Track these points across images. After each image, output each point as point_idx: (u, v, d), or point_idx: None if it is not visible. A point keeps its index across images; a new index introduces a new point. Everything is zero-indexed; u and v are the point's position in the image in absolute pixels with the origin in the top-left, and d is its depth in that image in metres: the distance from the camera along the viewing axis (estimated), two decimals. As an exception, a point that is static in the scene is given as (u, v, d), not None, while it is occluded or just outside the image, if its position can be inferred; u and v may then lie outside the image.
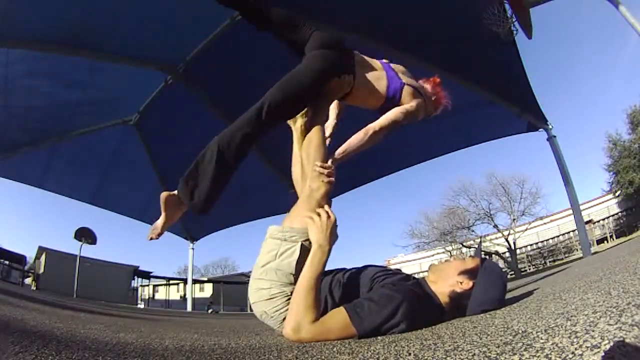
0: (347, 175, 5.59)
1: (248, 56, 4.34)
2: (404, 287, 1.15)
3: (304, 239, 1.23)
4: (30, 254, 16.99)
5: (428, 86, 1.80)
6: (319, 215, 1.22)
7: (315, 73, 1.45)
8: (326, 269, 1.43)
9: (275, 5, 1.57)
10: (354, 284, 1.24)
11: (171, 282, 24.05)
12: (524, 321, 0.81)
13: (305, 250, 1.22)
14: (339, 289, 1.24)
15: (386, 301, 1.06)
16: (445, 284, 1.19)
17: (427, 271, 1.31)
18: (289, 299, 1.18)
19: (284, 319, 1.16)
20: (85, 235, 11.86)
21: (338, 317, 1.05)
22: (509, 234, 18.23)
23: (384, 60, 1.76)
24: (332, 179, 1.34)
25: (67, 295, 8.68)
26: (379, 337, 0.98)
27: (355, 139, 1.57)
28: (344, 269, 1.36)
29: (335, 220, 1.23)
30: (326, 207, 1.28)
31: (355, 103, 1.70)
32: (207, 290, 24.42)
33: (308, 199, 1.32)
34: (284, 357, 0.81)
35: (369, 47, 3.64)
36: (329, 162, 1.42)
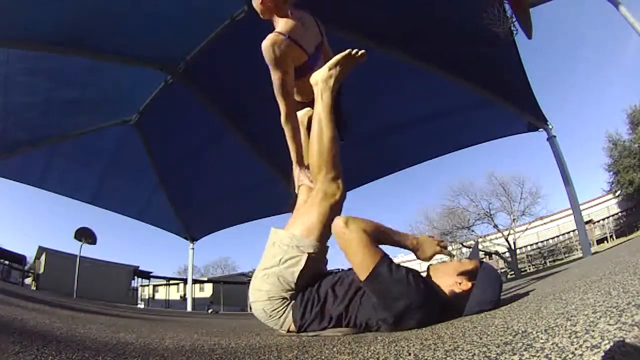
0: (346, 175, 5.57)
1: (248, 56, 4.32)
2: (419, 274, 1.19)
3: (311, 250, 1.25)
4: (30, 254, 17.03)
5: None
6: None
7: None
8: (328, 268, 1.43)
9: None
10: (358, 281, 1.23)
11: (171, 282, 24.05)
12: (524, 321, 0.81)
13: (310, 262, 1.24)
14: (343, 286, 1.23)
15: (406, 277, 1.13)
16: (444, 284, 1.20)
17: (426, 271, 1.31)
18: (286, 301, 1.25)
19: (281, 318, 1.24)
20: (85, 235, 11.87)
21: (372, 249, 1.15)
22: (509, 234, 18.22)
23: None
24: None
25: (67, 295, 8.69)
26: (378, 337, 0.98)
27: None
28: (346, 269, 1.37)
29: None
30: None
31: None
32: (207, 290, 24.43)
33: (320, 203, 1.33)
34: (284, 357, 0.81)
35: (366, 46, 3.63)
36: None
